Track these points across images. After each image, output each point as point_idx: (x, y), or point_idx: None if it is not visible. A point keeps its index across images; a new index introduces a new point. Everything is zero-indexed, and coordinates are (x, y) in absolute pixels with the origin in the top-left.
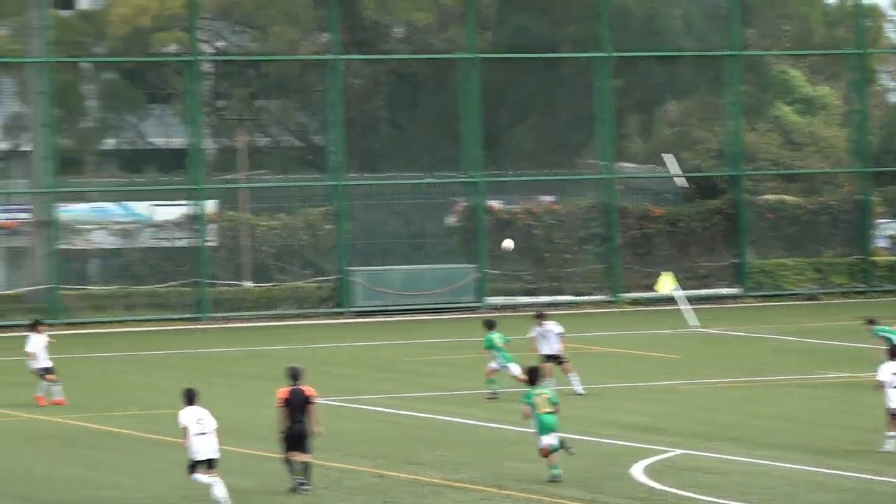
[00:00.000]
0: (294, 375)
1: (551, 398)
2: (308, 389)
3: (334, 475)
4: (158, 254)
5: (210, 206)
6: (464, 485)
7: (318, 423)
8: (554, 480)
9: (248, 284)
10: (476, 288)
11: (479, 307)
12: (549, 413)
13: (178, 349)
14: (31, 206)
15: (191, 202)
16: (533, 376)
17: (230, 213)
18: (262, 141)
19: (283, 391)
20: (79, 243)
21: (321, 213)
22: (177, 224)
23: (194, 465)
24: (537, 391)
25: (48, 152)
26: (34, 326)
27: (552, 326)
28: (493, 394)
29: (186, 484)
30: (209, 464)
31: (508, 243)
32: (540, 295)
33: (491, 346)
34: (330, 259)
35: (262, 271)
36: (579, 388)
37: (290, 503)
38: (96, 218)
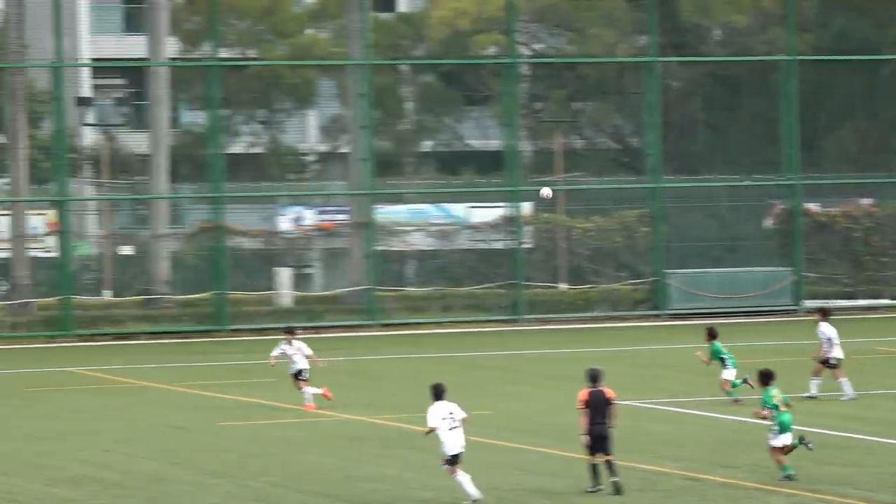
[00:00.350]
0: (593, 377)
1: (784, 398)
2: (608, 391)
3: (647, 477)
4: (475, 255)
5: (526, 207)
6: (778, 489)
7: (614, 421)
8: (789, 478)
9: (563, 286)
10: (793, 291)
11: (796, 310)
12: (787, 412)
13: (493, 350)
14: (349, 208)
15: (507, 204)
16: (765, 378)
17: (546, 215)
18: (579, 143)
19: (583, 393)
20: (396, 245)
21: (637, 216)
22: (493, 226)
23: (452, 460)
24: (773, 391)
25: (367, 154)
26: (291, 332)
27: (825, 328)
28: (736, 399)
29: (500, 485)
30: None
31: (546, 191)
32: (858, 298)
33: (718, 352)
34: (645, 261)
35: (577, 273)
36: (814, 391)
37: None
38: (413, 219)
